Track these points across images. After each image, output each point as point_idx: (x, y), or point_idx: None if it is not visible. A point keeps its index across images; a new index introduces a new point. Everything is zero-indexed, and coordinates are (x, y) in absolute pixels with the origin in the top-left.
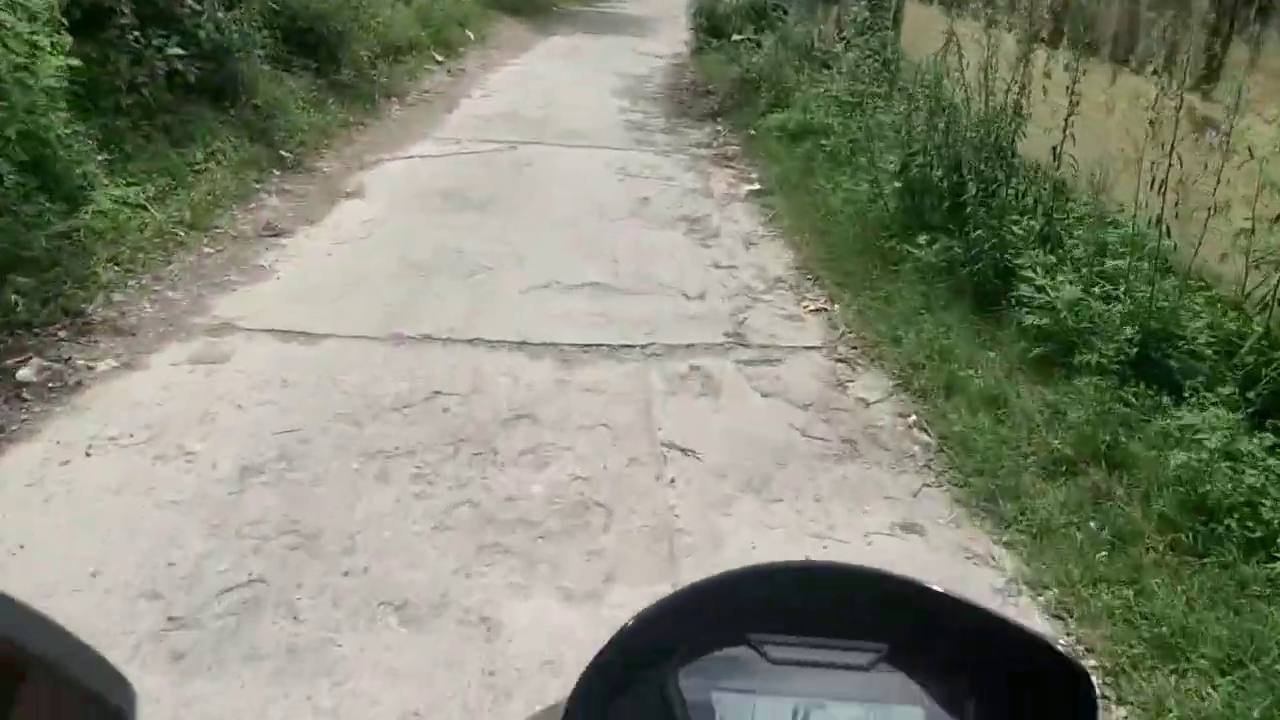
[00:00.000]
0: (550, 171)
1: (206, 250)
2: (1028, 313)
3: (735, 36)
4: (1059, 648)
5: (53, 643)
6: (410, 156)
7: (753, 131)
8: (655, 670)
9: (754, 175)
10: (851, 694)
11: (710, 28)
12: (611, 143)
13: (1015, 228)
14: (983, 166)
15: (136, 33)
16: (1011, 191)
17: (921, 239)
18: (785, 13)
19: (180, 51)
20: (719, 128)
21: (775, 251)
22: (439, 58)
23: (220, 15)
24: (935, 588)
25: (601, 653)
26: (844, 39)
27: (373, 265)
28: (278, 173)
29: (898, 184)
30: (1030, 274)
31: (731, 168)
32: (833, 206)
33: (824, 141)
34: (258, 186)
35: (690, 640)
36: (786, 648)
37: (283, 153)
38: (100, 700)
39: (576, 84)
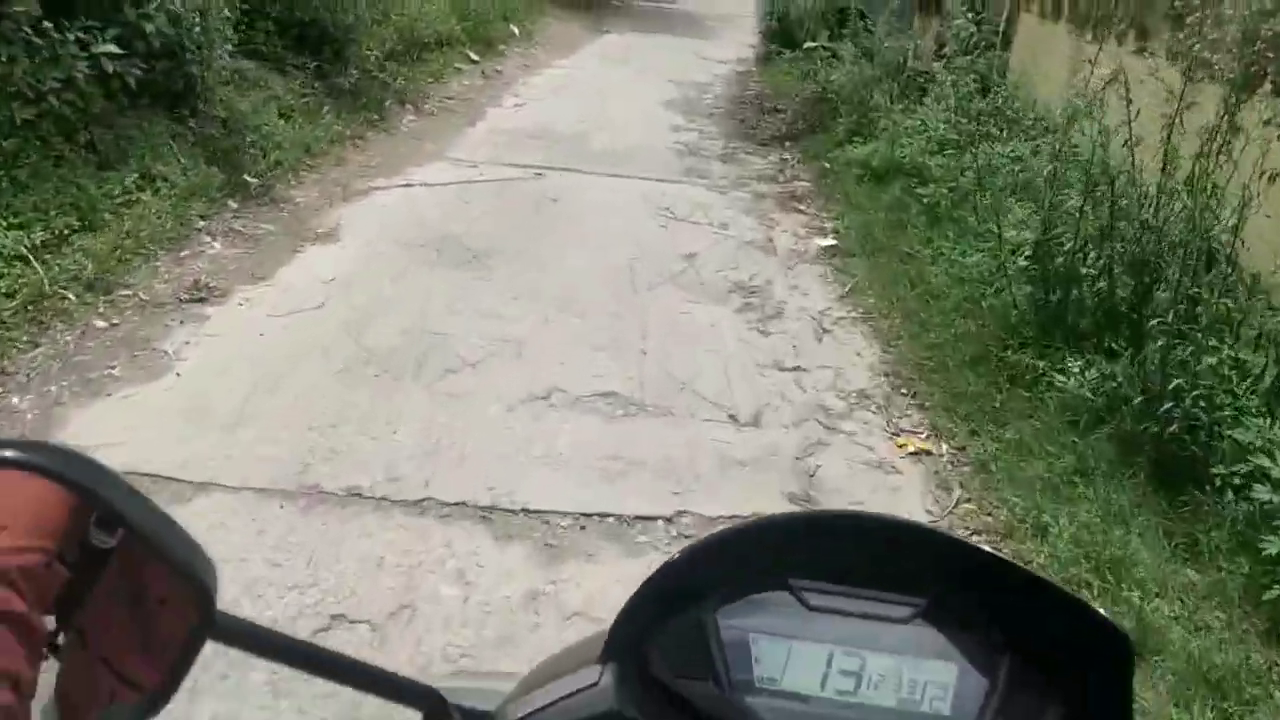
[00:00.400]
0: (578, 210)
1: (98, 323)
2: (1253, 518)
3: (809, 44)
4: (1098, 610)
5: (153, 520)
6: (410, 184)
7: (827, 164)
8: (696, 607)
9: (828, 225)
10: (887, 645)
11: (781, 32)
12: (658, 171)
13: (1210, 360)
14: (1182, 276)
15: (47, 24)
16: (1222, 314)
17: (1073, 364)
18: (869, 20)
19: (115, 49)
20: (787, 156)
21: (857, 345)
22: (474, 56)
23: (177, 4)
24: (978, 545)
25: (645, 585)
26: (943, 57)
27: (315, 355)
28: (234, 204)
29: (1024, 262)
30: (1262, 458)
31: (800, 212)
32: (933, 283)
33: (920, 189)
34: (201, 225)
35: (733, 580)
36: (826, 595)
37: (246, 177)
38: (188, 571)
39: (625, 92)
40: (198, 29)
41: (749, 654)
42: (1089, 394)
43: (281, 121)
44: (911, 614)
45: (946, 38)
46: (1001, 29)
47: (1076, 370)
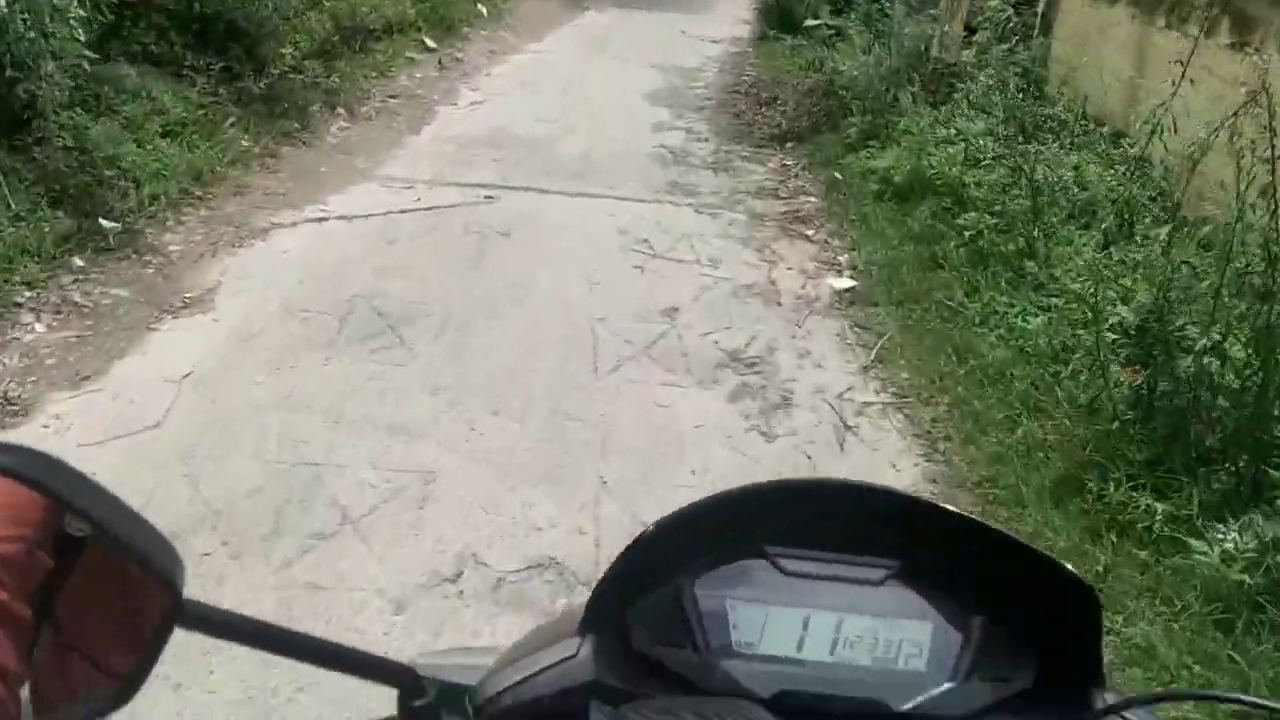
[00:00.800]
0: (533, 248)
1: None
2: None
3: (810, 22)
4: (1067, 566)
5: (121, 517)
6: (325, 217)
7: (838, 174)
8: (673, 577)
9: (843, 258)
10: (863, 608)
11: (778, 8)
12: (635, 187)
13: None
14: None
15: None
16: None
17: (1226, 535)
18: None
19: None
20: (789, 162)
21: (891, 450)
22: (430, 43)
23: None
24: (948, 507)
25: (620, 558)
26: (973, 44)
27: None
28: (81, 261)
29: (1115, 334)
30: None
31: (808, 239)
32: (987, 356)
33: (957, 216)
34: (26, 297)
35: (708, 550)
36: (801, 561)
37: (103, 222)
38: (156, 565)
39: (603, 82)
40: (30, 34)
41: (726, 620)
42: (1236, 575)
43: (164, 142)
44: (885, 576)
45: (977, 20)
46: (1041, 10)
47: (1229, 543)
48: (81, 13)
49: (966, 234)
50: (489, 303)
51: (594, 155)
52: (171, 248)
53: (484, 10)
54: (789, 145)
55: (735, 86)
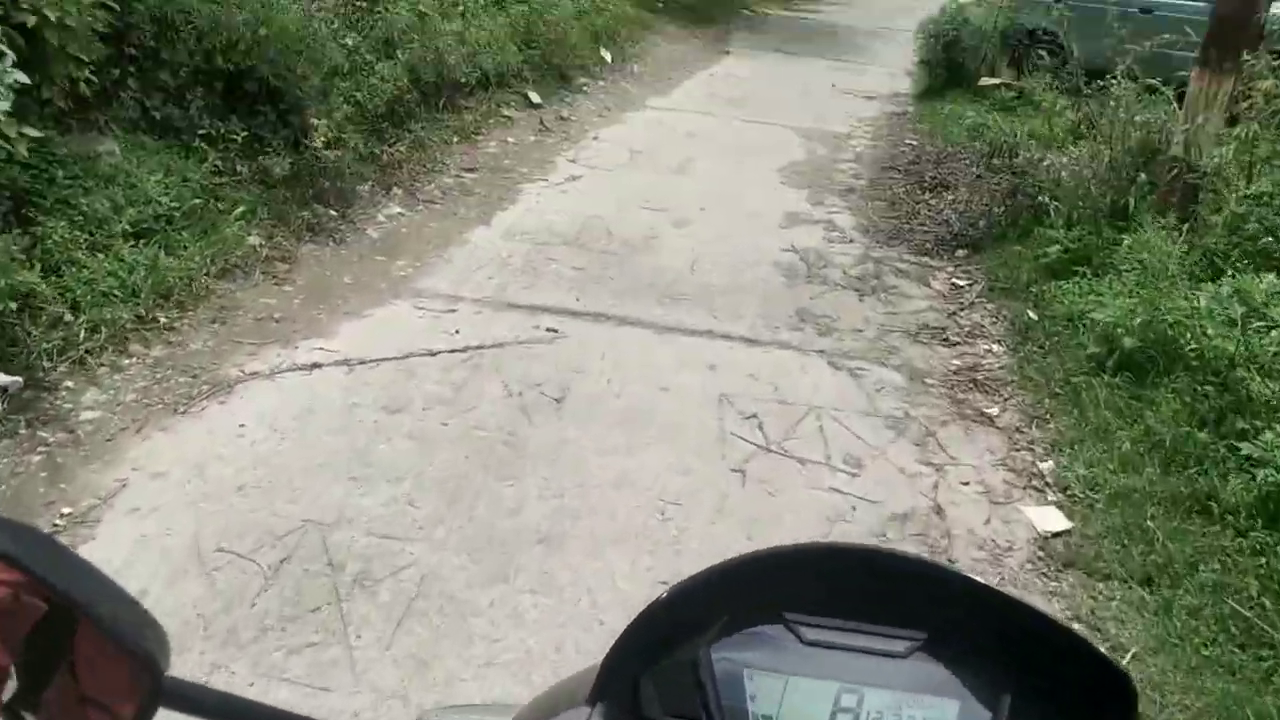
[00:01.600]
0: (594, 427)
1: None
2: None
3: (986, 80)
4: (1102, 651)
5: (104, 598)
6: (319, 362)
7: (1032, 313)
8: (688, 643)
9: (1045, 466)
10: (886, 681)
11: (946, 61)
12: (751, 318)
13: None
14: None
15: None
16: None
17: None
18: (1073, 54)
19: None
20: (960, 280)
21: None
22: (535, 97)
23: None
24: (979, 579)
25: (634, 623)
26: (1233, 139)
27: None
28: None
29: None
30: None
31: (991, 423)
32: None
33: (1236, 429)
34: None
35: (726, 616)
36: (822, 630)
37: None
38: (137, 646)
39: (731, 151)
40: None
41: (743, 690)
42: None
43: (129, 245)
44: (911, 648)
45: (1240, 109)
46: None
47: None
48: (19, 77)
49: (1255, 474)
50: (502, 546)
51: (703, 261)
52: (86, 414)
53: (608, 56)
54: (961, 254)
55: (892, 161)
